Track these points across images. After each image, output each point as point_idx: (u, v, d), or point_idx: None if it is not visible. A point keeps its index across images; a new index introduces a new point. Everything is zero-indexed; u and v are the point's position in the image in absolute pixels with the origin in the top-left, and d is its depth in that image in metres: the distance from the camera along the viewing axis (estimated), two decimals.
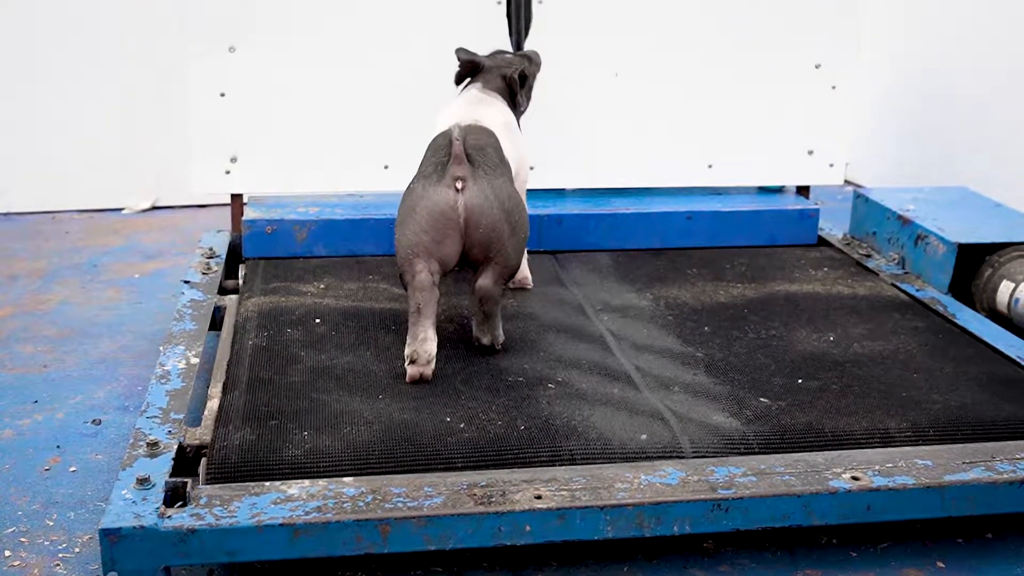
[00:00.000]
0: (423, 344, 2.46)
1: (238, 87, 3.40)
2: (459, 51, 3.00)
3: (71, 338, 3.34)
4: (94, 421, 2.79)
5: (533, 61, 3.11)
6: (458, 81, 3.01)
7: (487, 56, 3.04)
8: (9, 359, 3.16)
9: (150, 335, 3.37)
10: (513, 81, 2.95)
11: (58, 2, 4.58)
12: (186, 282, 3.17)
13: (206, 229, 4.32)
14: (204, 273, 3.26)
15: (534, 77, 3.11)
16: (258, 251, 3.38)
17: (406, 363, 2.47)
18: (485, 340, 2.62)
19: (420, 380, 2.46)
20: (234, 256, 3.47)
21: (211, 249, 3.46)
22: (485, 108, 2.84)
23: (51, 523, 2.31)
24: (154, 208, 4.84)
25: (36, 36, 4.59)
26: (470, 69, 2.99)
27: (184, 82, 3.39)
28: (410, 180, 2.60)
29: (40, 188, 4.73)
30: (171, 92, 4.71)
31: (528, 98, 3.07)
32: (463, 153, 2.49)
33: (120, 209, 4.81)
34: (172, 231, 4.52)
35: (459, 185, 2.47)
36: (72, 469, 2.55)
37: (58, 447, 2.65)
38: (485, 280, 2.54)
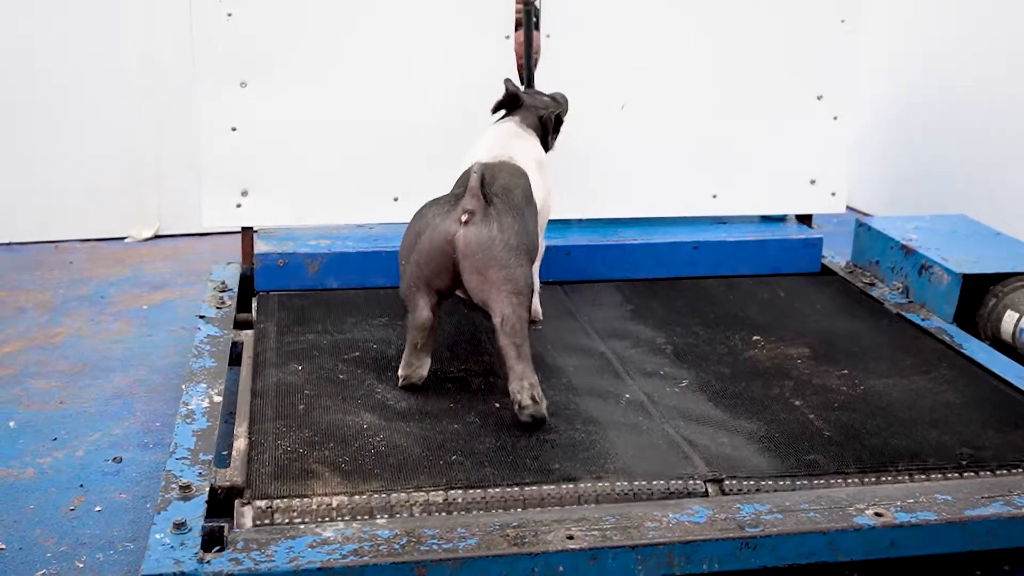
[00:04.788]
0: (417, 370, 2.65)
1: (249, 122, 3.43)
2: (507, 81, 3.08)
3: (84, 372, 3.35)
4: (115, 459, 2.80)
5: (562, 105, 3.15)
6: (495, 110, 3.06)
7: (526, 93, 3.09)
8: (25, 396, 3.17)
9: (163, 369, 3.39)
10: (548, 122, 3.03)
11: (58, 31, 4.59)
12: (201, 317, 3.18)
13: (210, 258, 4.36)
14: (218, 307, 3.27)
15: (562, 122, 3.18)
16: (270, 284, 3.41)
17: (400, 382, 2.66)
18: (525, 398, 2.43)
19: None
20: (246, 289, 3.49)
21: (223, 283, 3.47)
22: (520, 143, 2.90)
23: (81, 565, 2.33)
24: (156, 237, 4.85)
25: (36, 66, 4.61)
26: (510, 101, 3.03)
27: (196, 117, 3.41)
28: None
29: (42, 217, 4.74)
30: (172, 121, 4.74)
31: (555, 141, 3.13)
32: (479, 188, 2.52)
33: (123, 238, 4.82)
34: (176, 260, 4.53)
35: (465, 218, 2.50)
36: (97, 509, 2.56)
37: (81, 486, 2.66)
38: (504, 308, 2.46)
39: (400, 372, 2.67)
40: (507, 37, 3.49)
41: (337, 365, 2.82)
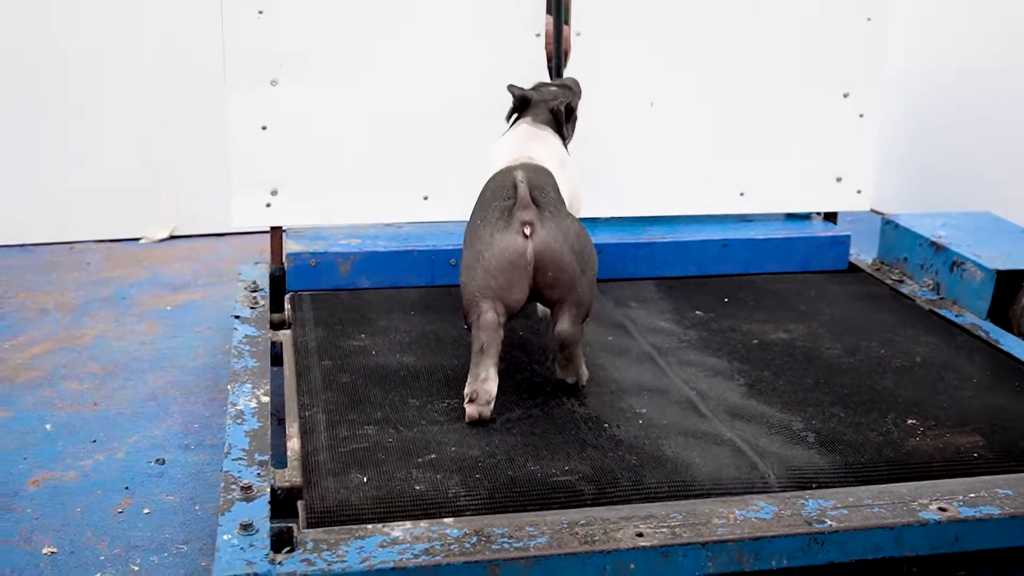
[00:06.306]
0: (484, 384, 2.45)
1: (279, 120, 3.41)
2: (511, 87, 3.00)
3: (115, 374, 3.32)
4: (158, 460, 2.78)
5: (573, 90, 3.11)
6: (509, 117, 3.02)
7: (532, 89, 3.05)
8: (58, 398, 3.14)
9: (194, 370, 3.36)
10: (559, 113, 2.94)
11: (75, 32, 4.56)
12: (236, 317, 3.16)
13: (228, 258, 4.34)
14: (251, 307, 3.25)
15: (576, 107, 3.14)
16: (302, 284, 3.39)
17: (465, 401, 2.48)
18: (570, 380, 2.64)
19: (479, 420, 2.45)
20: (276, 288, 3.46)
21: (254, 282, 3.45)
22: (538, 144, 2.82)
23: (136, 568, 2.31)
24: (172, 237, 4.82)
25: (53, 67, 4.57)
26: (520, 105, 2.98)
27: (226, 115, 3.38)
28: (471, 221, 2.59)
29: (57, 218, 4.70)
30: (188, 120, 4.72)
31: (573, 129, 3.09)
32: (529, 197, 2.47)
33: (138, 239, 4.78)
34: (193, 261, 4.50)
35: (527, 231, 2.45)
36: (146, 511, 2.54)
37: (126, 488, 2.64)
38: (563, 324, 2.50)
39: (466, 391, 2.46)
40: (537, 35, 3.48)
41: (410, 473, 2.25)
